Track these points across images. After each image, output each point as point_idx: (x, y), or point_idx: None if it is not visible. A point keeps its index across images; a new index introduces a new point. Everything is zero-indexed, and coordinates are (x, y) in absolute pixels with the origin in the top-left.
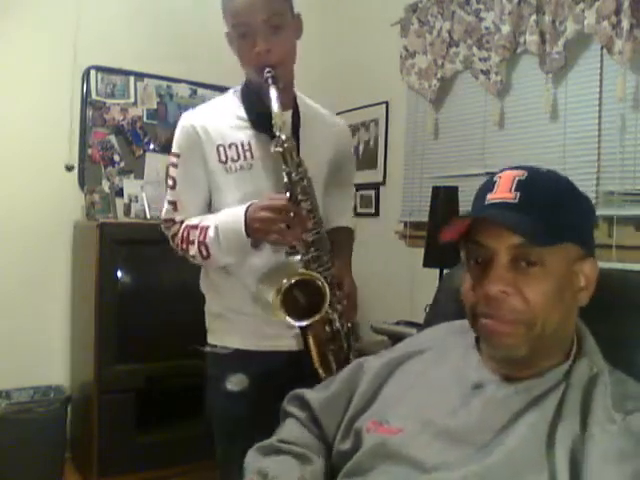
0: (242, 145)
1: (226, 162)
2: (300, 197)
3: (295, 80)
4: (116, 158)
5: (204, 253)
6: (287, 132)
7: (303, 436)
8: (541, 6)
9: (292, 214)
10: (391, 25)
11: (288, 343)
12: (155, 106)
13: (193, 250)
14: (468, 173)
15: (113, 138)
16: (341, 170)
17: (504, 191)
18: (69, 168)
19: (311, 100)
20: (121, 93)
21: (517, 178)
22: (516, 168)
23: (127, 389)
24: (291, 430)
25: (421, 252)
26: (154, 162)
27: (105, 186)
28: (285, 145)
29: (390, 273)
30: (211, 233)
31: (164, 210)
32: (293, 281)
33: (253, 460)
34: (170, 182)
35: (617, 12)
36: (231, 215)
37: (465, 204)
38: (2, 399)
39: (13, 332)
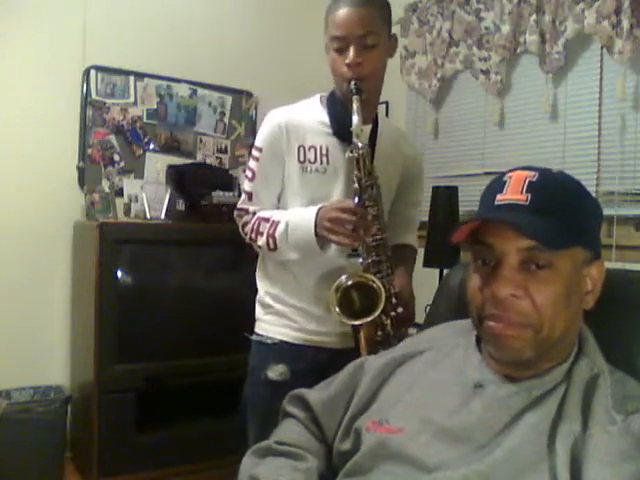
0: (320, 149)
1: (304, 162)
2: (368, 203)
3: (298, 82)
4: (116, 158)
5: (271, 245)
6: (363, 141)
7: (301, 437)
8: (541, 6)
9: (359, 217)
10: None
11: (333, 340)
12: (155, 106)
13: (261, 241)
14: (468, 173)
15: (113, 138)
16: (409, 191)
17: (515, 192)
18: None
19: (391, 121)
20: (121, 93)
21: (528, 179)
22: (526, 169)
23: (127, 389)
24: (289, 431)
25: (421, 252)
26: (154, 162)
27: (105, 186)
28: (360, 152)
29: None
30: (281, 228)
31: (240, 199)
32: (351, 282)
33: (248, 465)
34: (249, 174)
35: (617, 12)
36: (303, 214)
37: (465, 204)
38: (2, 399)
39: (13, 332)
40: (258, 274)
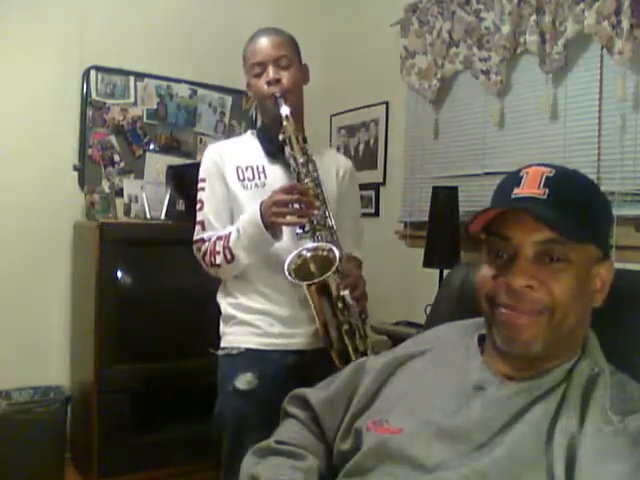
0: (257, 168)
1: (244, 180)
2: (306, 179)
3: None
4: (116, 158)
5: (228, 257)
6: (293, 124)
7: (301, 436)
8: (541, 6)
9: (300, 193)
10: (391, 25)
11: (300, 342)
12: (155, 106)
13: (219, 258)
14: (468, 173)
15: (113, 138)
16: (347, 203)
17: (532, 187)
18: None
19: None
20: (121, 93)
21: (545, 174)
22: (542, 165)
23: (127, 389)
24: (290, 431)
25: (421, 252)
26: (154, 162)
27: (105, 186)
28: (291, 132)
29: (390, 273)
30: (233, 236)
31: (195, 232)
32: (310, 255)
33: (248, 464)
34: (198, 205)
35: (617, 12)
36: (248, 214)
37: (465, 204)
38: (2, 399)
39: (13, 332)
40: (219, 295)
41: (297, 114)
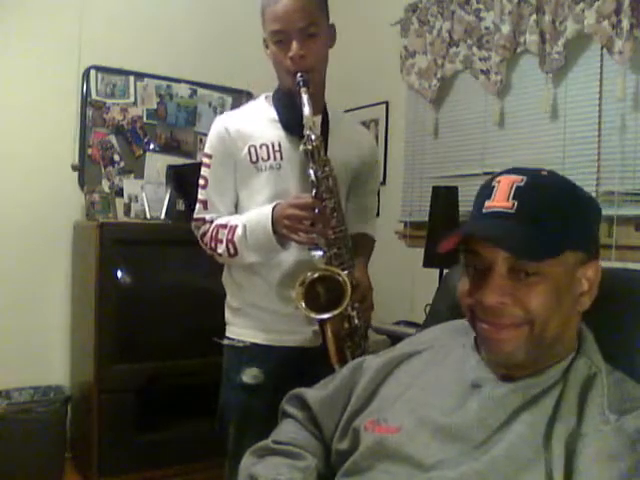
0: (272, 146)
1: (257, 162)
2: (325, 195)
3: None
4: (116, 158)
5: (231, 251)
6: (316, 132)
7: (299, 436)
8: (541, 6)
9: (317, 211)
10: (391, 25)
11: (305, 339)
12: (155, 106)
13: (221, 248)
14: (468, 173)
15: (113, 138)
16: (366, 177)
17: (501, 199)
18: (75, 168)
19: (339, 110)
20: (121, 93)
21: (515, 184)
22: (515, 172)
23: (127, 389)
24: (288, 431)
25: (421, 252)
26: (154, 162)
27: (105, 186)
28: (313, 144)
29: (390, 273)
30: (239, 231)
31: (196, 209)
32: (316, 275)
33: (247, 465)
34: (202, 182)
35: (617, 12)
36: (258, 214)
37: (465, 204)
38: (2, 399)
39: (13, 332)
40: (225, 280)
41: (319, 87)
